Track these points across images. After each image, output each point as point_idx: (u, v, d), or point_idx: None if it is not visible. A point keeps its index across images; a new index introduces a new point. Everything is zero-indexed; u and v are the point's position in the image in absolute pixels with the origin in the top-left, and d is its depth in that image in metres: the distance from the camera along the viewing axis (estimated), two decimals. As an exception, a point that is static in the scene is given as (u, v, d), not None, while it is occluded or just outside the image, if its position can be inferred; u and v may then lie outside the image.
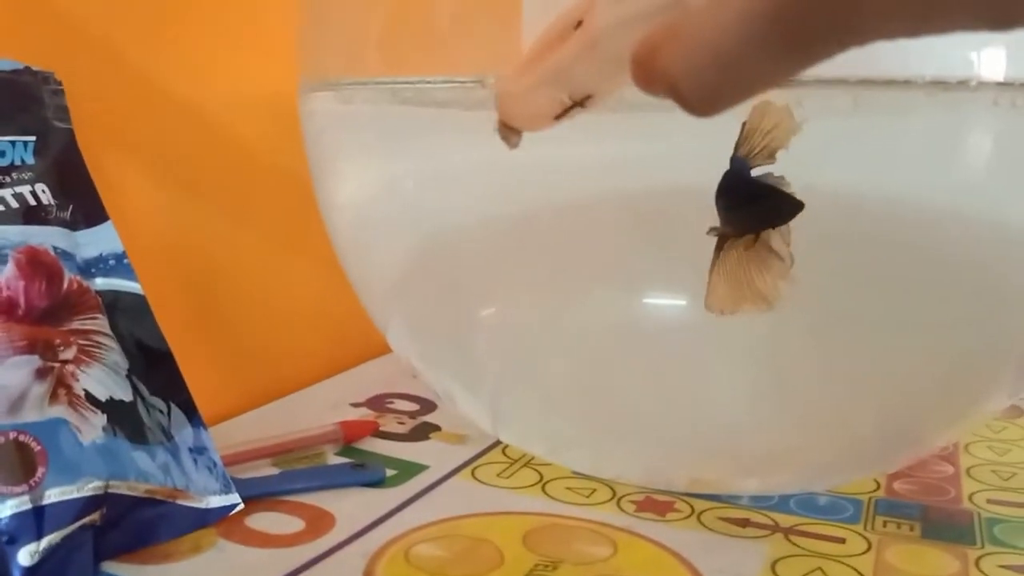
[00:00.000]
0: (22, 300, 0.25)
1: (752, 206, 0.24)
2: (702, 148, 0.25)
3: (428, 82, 0.28)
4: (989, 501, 0.32)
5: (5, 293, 0.24)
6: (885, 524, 0.30)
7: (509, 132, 0.21)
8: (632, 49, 0.16)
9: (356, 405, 0.40)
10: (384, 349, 0.47)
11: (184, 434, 0.28)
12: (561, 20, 0.19)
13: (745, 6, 0.14)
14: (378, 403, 0.41)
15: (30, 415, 0.24)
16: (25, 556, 0.22)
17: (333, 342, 0.46)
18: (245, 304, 0.41)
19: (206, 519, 0.27)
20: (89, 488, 0.24)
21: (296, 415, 0.38)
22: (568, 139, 0.26)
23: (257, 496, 0.29)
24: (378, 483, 0.32)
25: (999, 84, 0.24)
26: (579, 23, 0.19)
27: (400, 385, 0.43)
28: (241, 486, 0.29)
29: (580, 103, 0.20)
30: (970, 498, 0.32)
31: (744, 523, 0.30)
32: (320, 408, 0.39)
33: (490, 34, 0.34)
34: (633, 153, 0.27)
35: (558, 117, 0.20)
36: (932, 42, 0.15)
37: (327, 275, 0.37)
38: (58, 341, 0.25)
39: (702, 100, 0.16)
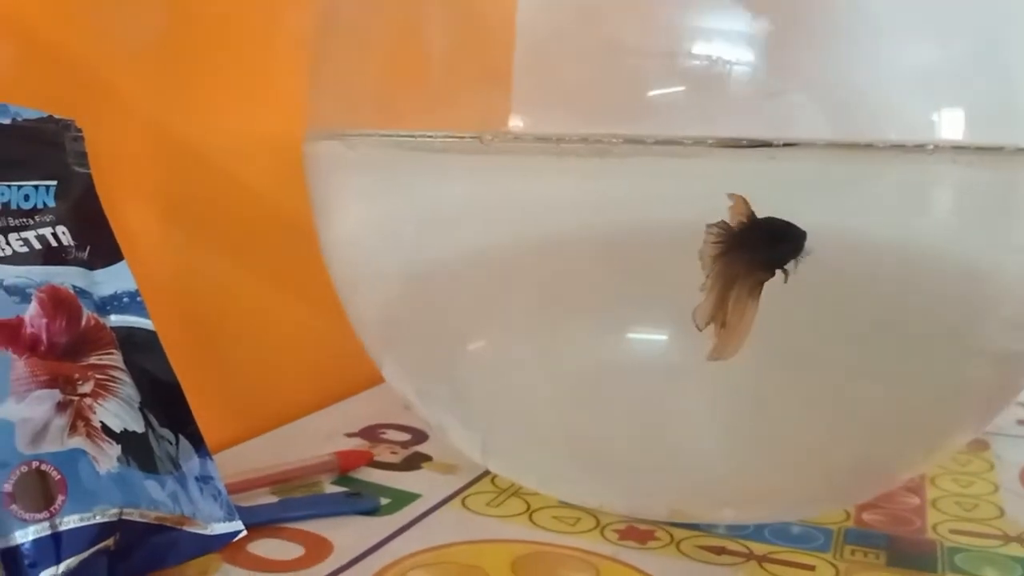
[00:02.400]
0: (45, 337, 0.26)
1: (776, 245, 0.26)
2: (679, 191, 0.27)
3: (429, 136, 0.30)
4: (952, 531, 0.34)
5: (30, 330, 0.26)
6: (853, 552, 0.32)
7: None
8: None
9: (350, 435, 0.42)
10: (376, 381, 0.49)
11: (191, 464, 0.29)
12: None
13: None
14: (371, 433, 0.42)
15: (51, 446, 0.25)
16: (46, 579, 0.24)
17: (328, 374, 0.47)
18: (247, 338, 0.43)
19: (211, 545, 0.29)
20: (105, 515, 0.25)
21: (294, 444, 0.39)
22: (556, 180, 0.28)
23: (259, 523, 0.31)
24: (373, 511, 0.33)
25: (955, 148, 0.26)
26: None
27: (392, 416, 0.44)
28: (244, 514, 0.30)
29: None
30: (934, 528, 0.34)
31: (720, 551, 0.32)
32: (316, 438, 0.41)
33: (481, 87, 0.37)
34: (615, 194, 0.28)
35: None
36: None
37: (323, 311, 0.39)
38: (77, 376, 0.27)
39: None
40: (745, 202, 0.25)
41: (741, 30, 0.32)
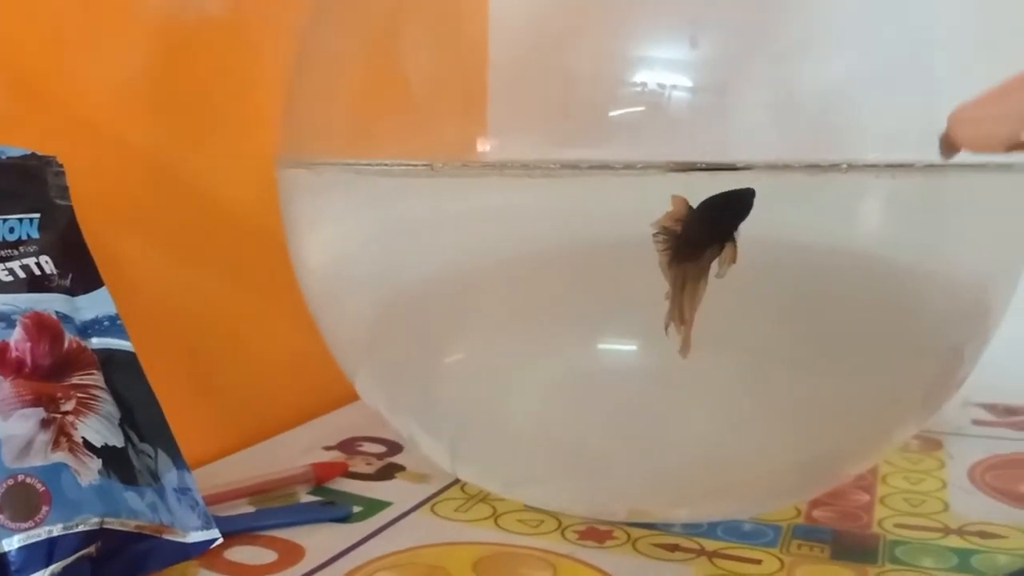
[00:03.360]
0: (29, 359, 0.28)
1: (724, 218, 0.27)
2: (641, 206, 0.29)
3: (386, 164, 0.32)
4: (896, 525, 0.36)
5: (14, 354, 0.28)
6: (800, 547, 0.34)
7: (950, 147, 0.24)
8: None
9: (328, 448, 0.44)
10: (355, 396, 0.51)
11: (169, 476, 0.31)
12: None
13: None
14: (348, 446, 0.44)
15: (35, 460, 0.27)
16: (32, 584, 0.26)
17: (307, 391, 0.49)
18: (227, 357, 0.45)
19: (189, 552, 0.31)
20: (87, 524, 0.27)
21: (273, 458, 0.41)
22: (520, 196, 0.30)
23: (235, 531, 0.33)
24: (345, 519, 0.35)
25: (868, 165, 0.28)
26: None
27: (369, 429, 0.46)
28: (220, 522, 0.32)
29: None
30: (880, 523, 0.36)
31: (674, 548, 0.33)
32: (295, 451, 0.43)
33: (457, 113, 0.39)
34: (582, 209, 0.30)
35: (1009, 148, 0.22)
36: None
37: (302, 330, 0.41)
38: (60, 395, 0.29)
39: None
40: (682, 201, 0.26)
41: (688, 58, 0.34)
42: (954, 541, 0.34)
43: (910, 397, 0.34)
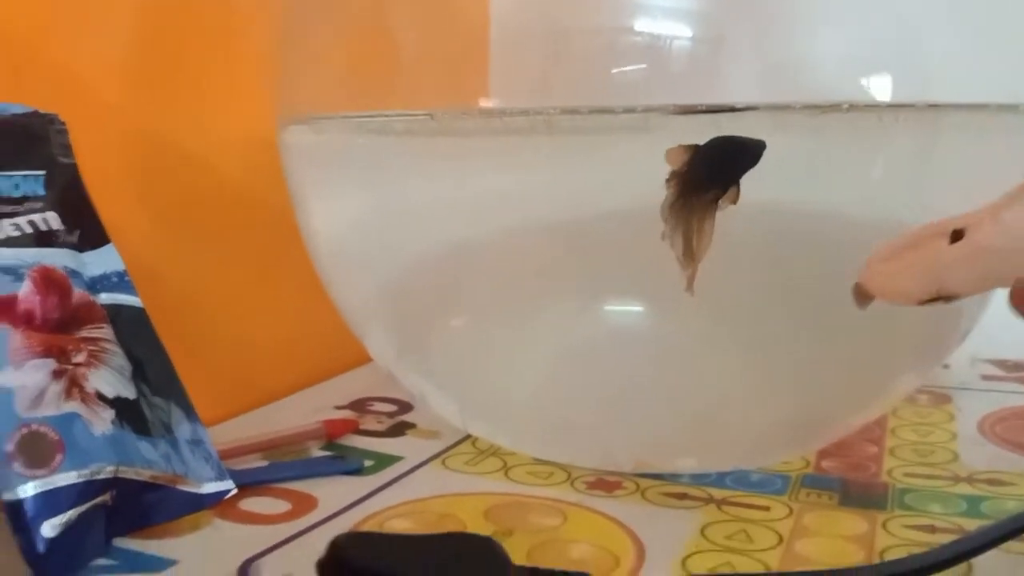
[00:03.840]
0: (38, 312, 0.28)
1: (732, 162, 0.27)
2: (632, 170, 0.29)
3: (386, 115, 0.32)
4: (905, 474, 0.36)
5: (24, 306, 0.28)
6: (808, 495, 0.34)
7: (864, 296, 0.25)
8: (1018, 284, 0.20)
9: (339, 408, 0.44)
10: (366, 359, 0.51)
11: (182, 429, 0.31)
12: (942, 224, 0.23)
13: None
14: (359, 406, 0.45)
15: (48, 410, 0.27)
16: (48, 529, 0.26)
17: (318, 353, 0.50)
18: (233, 321, 0.45)
19: (203, 502, 0.31)
20: (101, 472, 0.28)
21: (284, 417, 0.41)
22: (524, 167, 0.30)
23: (248, 484, 0.33)
24: (356, 472, 0.35)
25: (868, 105, 0.28)
26: (959, 232, 0.22)
27: (381, 390, 0.47)
28: (234, 475, 0.32)
29: (946, 299, 0.23)
30: (889, 472, 0.36)
31: (682, 496, 0.34)
32: (306, 411, 0.43)
33: (457, 71, 0.39)
34: (576, 176, 0.30)
35: (921, 303, 0.23)
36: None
37: (311, 295, 0.41)
38: (70, 347, 0.29)
39: None
40: (681, 149, 0.26)
41: (689, 7, 0.34)
42: (963, 488, 0.34)
43: (908, 349, 0.34)
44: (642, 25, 0.35)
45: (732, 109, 0.28)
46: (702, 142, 0.27)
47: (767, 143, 0.26)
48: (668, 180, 0.27)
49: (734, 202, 0.27)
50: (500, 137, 0.31)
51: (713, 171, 0.27)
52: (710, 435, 0.34)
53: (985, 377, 0.50)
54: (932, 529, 0.31)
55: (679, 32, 0.35)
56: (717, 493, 0.34)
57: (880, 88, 0.31)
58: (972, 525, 0.31)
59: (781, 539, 0.30)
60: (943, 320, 0.33)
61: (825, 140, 0.29)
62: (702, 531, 0.31)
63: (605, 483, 0.35)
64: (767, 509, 0.32)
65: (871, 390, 0.34)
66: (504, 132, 0.31)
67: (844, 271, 0.30)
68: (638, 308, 0.32)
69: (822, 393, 0.33)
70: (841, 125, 0.28)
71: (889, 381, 0.35)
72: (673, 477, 0.35)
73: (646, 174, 0.28)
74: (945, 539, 0.29)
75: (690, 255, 0.28)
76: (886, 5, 0.32)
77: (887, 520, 0.32)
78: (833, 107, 0.27)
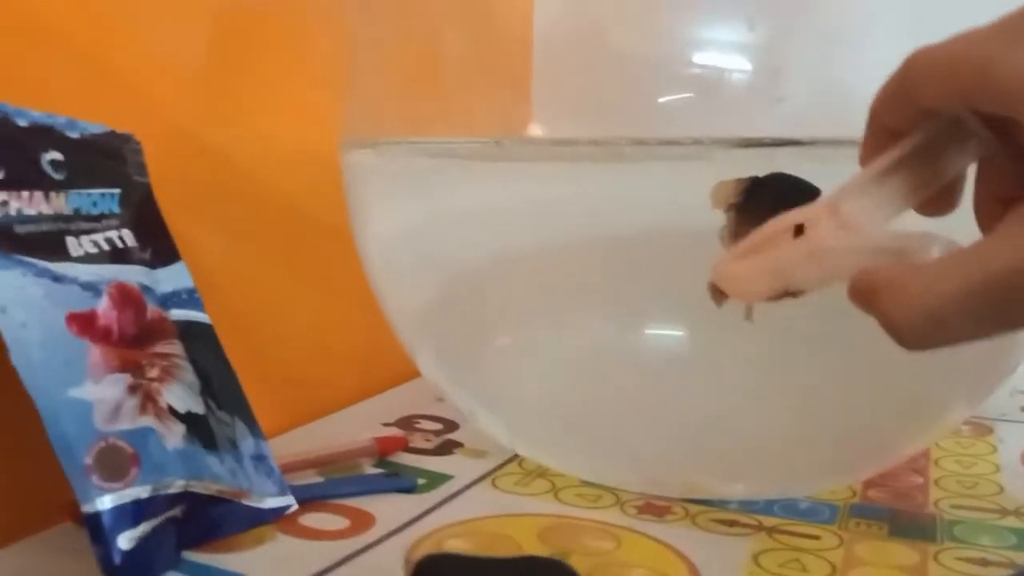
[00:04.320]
0: (115, 327, 0.29)
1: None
2: (686, 195, 0.29)
3: (453, 142, 0.33)
4: (952, 506, 0.36)
5: (103, 322, 0.29)
6: (857, 524, 0.34)
7: (719, 295, 0.25)
8: (854, 280, 0.20)
9: (387, 424, 0.45)
10: (410, 375, 0.52)
11: (247, 444, 0.32)
12: (785, 219, 0.23)
13: (966, 286, 0.18)
14: (406, 423, 0.45)
15: (124, 424, 0.28)
16: (124, 541, 0.27)
17: (365, 370, 0.50)
18: (288, 336, 0.46)
19: (266, 517, 0.32)
20: (172, 486, 0.28)
21: (334, 433, 0.42)
22: (572, 186, 0.31)
23: (308, 499, 0.34)
24: (410, 489, 0.36)
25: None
26: (800, 227, 0.23)
27: (425, 407, 0.47)
28: (294, 490, 0.33)
29: (794, 294, 0.23)
30: (935, 504, 0.36)
31: (732, 523, 0.34)
32: (355, 427, 0.44)
33: (502, 97, 0.39)
34: (630, 200, 0.31)
35: (770, 299, 0.24)
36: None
37: (361, 312, 0.42)
38: (144, 362, 0.30)
39: (913, 342, 0.19)
40: (732, 184, 0.27)
41: (742, 40, 0.35)
42: (1011, 522, 0.35)
43: (960, 381, 0.34)
44: (688, 55, 0.35)
45: (796, 143, 0.28)
46: (753, 174, 0.28)
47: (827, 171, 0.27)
48: (727, 210, 0.28)
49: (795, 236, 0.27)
50: (561, 162, 0.32)
51: (770, 205, 0.28)
52: (759, 461, 0.35)
53: (1024, 409, 0.50)
54: (984, 562, 0.31)
55: (730, 63, 0.35)
56: (767, 521, 0.34)
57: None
58: (1023, 559, 0.31)
59: (834, 569, 0.30)
60: (995, 353, 0.34)
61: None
62: (755, 559, 0.31)
63: (654, 507, 0.35)
64: (818, 538, 0.33)
65: (922, 421, 0.35)
66: (569, 159, 0.31)
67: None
68: (689, 333, 0.33)
69: (873, 422, 0.33)
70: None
71: (939, 413, 0.35)
72: (721, 503, 0.36)
73: (703, 200, 0.28)
74: (999, 572, 0.29)
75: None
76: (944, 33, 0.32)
77: (938, 552, 0.32)
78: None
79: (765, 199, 0.28)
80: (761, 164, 0.28)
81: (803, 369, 0.32)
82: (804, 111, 0.35)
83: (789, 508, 0.35)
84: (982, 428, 0.46)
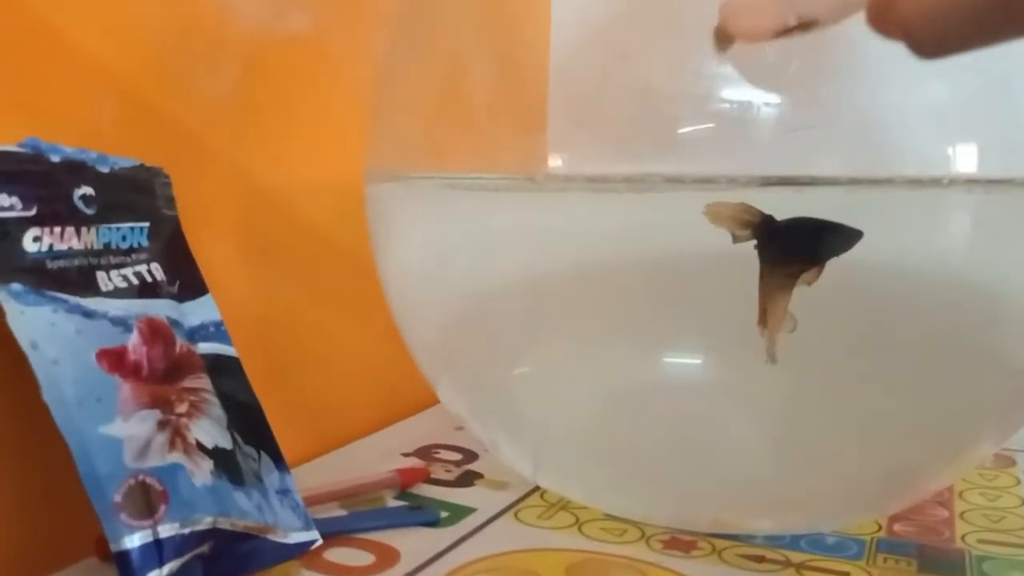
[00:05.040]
0: (145, 363, 0.29)
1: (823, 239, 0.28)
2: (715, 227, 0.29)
3: (483, 178, 0.33)
4: (980, 541, 0.36)
5: (132, 357, 0.29)
6: (885, 560, 0.34)
7: (724, 40, 0.24)
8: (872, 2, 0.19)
9: (406, 455, 0.45)
10: (429, 403, 0.52)
11: (272, 478, 0.32)
12: None
13: None
14: (426, 453, 0.45)
15: (153, 460, 0.28)
16: (153, 579, 0.27)
17: (384, 398, 0.50)
18: (312, 365, 0.46)
19: (291, 553, 0.31)
20: (201, 523, 0.28)
21: (354, 463, 0.42)
22: (596, 210, 0.31)
23: (331, 533, 0.33)
24: (434, 523, 0.36)
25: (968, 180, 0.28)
26: None
27: (445, 437, 0.47)
28: (317, 524, 0.33)
29: (804, 26, 0.21)
30: (963, 538, 0.36)
31: (760, 559, 0.34)
32: (374, 457, 0.44)
33: (521, 129, 0.39)
34: (653, 224, 0.31)
35: (778, 35, 0.22)
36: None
37: (380, 340, 0.42)
38: (173, 397, 0.30)
39: (932, 46, 0.19)
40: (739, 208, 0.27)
41: (760, 71, 0.35)
42: (1040, 557, 0.34)
43: (990, 416, 0.34)
44: (708, 86, 0.35)
45: (834, 182, 0.28)
46: (783, 211, 0.28)
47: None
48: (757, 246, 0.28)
49: (810, 283, 0.27)
50: (589, 193, 0.32)
51: (799, 247, 0.28)
52: (787, 495, 0.34)
53: (1047, 440, 0.50)
54: (1016, 601, 0.31)
55: (748, 96, 0.35)
56: (795, 556, 0.34)
57: (966, 156, 0.31)
58: (1055, 598, 0.31)
59: (865, 607, 0.30)
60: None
61: (906, 202, 0.29)
62: (785, 597, 0.31)
63: (680, 542, 0.35)
64: (847, 574, 0.33)
65: (952, 455, 0.35)
66: (598, 191, 0.31)
67: (928, 335, 0.31)
68: (717, 364, 0.33)
69: (901, 456, 0.33)
70: (914, 195, 0.28)
71: (969, 446, 0.35)
72: (748, 538, 0.35)
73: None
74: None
75: (763, 325, 0.29)
76: (975, 73, 0.32)
77: (968, 589, 0.32)
78: (933, 181, 0.28)
79: (794, 241, 0.28)
80: (788, 198, 0.28)
81: (831, 403, 0.32)
82: (824, 143, 0.35)
83: (816, 543, 0.35)
84: (1005, 460, 0.46)
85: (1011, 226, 0.30)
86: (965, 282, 0.30)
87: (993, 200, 0.30)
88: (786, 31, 0.22)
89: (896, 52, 0.35)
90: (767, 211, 0.28)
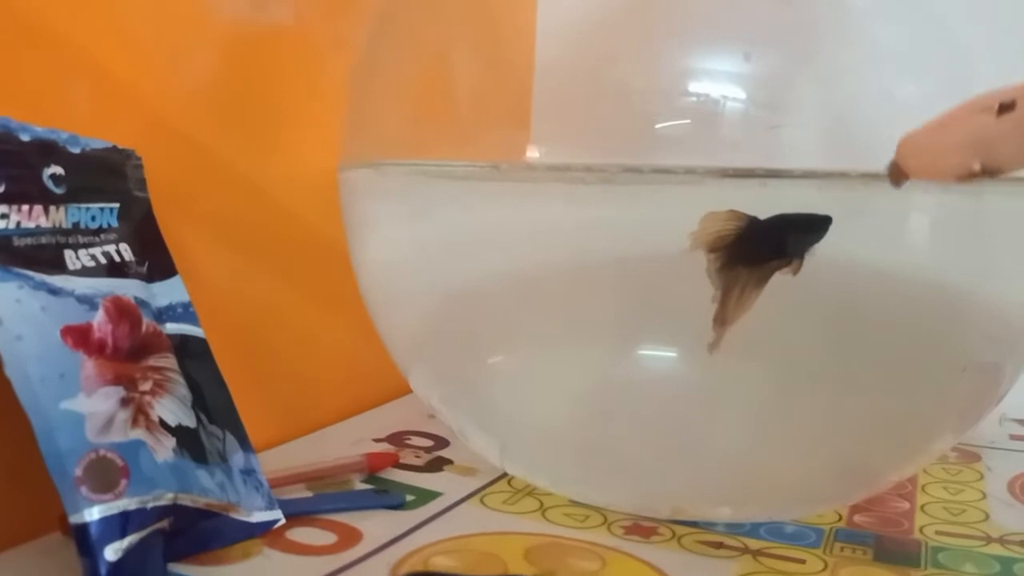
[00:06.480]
0: (110, 341, 0.30)
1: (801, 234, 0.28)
2: (682, 217, 0.30)
3: (452, 165, 0.33)
4: (938, 533, 0.36)
5: (97, 335, 0.29)
6: (842, 549, 0.34)
7: (900, 175, 0.24)
8: None
9: (377, 440, 0.45)
10: (402, 392, 0.52)
11: (236, 458, 0.32)
12: (989, 97, 0.22)
13: None
14: (397, 439, 0.46)
15: (116, 436, 0.28)
16: (111, 552, 0.27)
17: (358, 385, 0.51)
18: (284, 350, 0.46)
19: (253, 531, 0.32)
20: (161, 499, 0.29)
21: (324, 448, 0.42)
22: (568, 207, 0.31)
23: (296, 514, 0.34)
24: (398, 506, 0.36)
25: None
26: (1010, 103, 0.21)
27: (417, 424, 0.47)
28: (282, 505, 0.33)
29: (989, 173, 0.22)
30: (921, 530, 0.37)
31: (718, 545, 0.34)
32: (345, 442, 0.44)
33: (503, 125, 0.40)
34: (626, 220, 0.31)
35: (960, 180, 0.22)
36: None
37: (354, 327, 0.42)
38: (138, 375, 0.30)
39: None
40: (726, 215, 0.27)
41: (739, 71, 0.35)
42: (996, 549, 0.35)
43: (948, 410, 0.35)
44: (686, 85, 0.36)
45: (790, 175, 0.29)
46: (749, 206, 0.28)
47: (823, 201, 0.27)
48: (706, 248, 0.28)
49: (795, 273, 0.28)
50: (556, 184, 0.32)
51: (774, 243, 0.28)
52: (749, 485, 0.35)
53: (1014, 437, 0.50)
54: (966, 590, 0.31)
55: (728, 92, 0.36)
56: (752, 543, 0.34)
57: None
58: (1005, 587, 0.32)
59: (818, 593, 0.31)
60: (983, 382, 0.34)
61: (873, 201, 0.29)
62: (739, 581, 0.31)
63: (641, 528, 0.35)
64: (803, 562, 0.33)
65: (909, 448, 0.35)
66: (563, 181, 0.32)
67: (888, 328, 0.31)
68: (679, 355, 0.33)
69: (860, 448, 0.34)
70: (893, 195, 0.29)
71: (928, 439, 0.35)
72: (708, 525, 0.36)
73: (690, 221, 0.29)
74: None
75: (722, 319, 0.29)
76: (946, 65, 0.33)
77: (921, 578, 0.32)
78: (859, 175, 0.28)
79: (770, 238, 0.28)
80: (754, 191, 0.29)
81: (792, 396, 0.32)
82: (800, 141, 0.36)
83: (775, 531, 0.36)
84: (970, 455, 0.47)
85: (966, 228, 0.31)
86: (926, 277, 0.31)
87: (952, 199, 0.30)
88: (970, 177, 0.22)
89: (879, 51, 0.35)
90: (731, 199, 0.28)
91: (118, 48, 0.37)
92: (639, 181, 0.30)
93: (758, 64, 0.35)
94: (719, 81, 0.35)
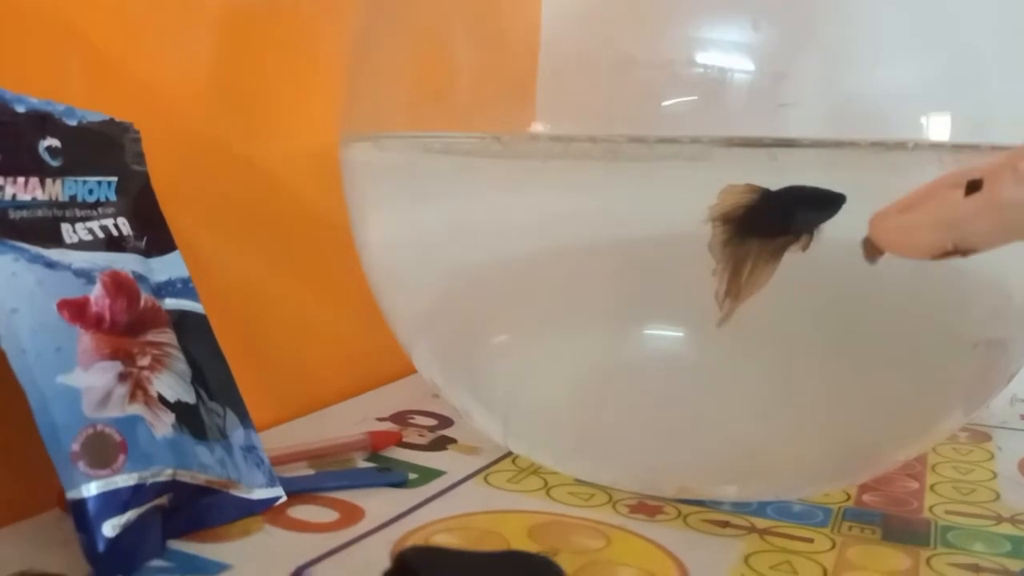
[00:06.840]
0: (108, 315, 0.29)
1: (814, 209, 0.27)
2: (687, 196, 0.29)
3: (452, 137, 0.32)
4: (947, 512, 0.36)
5: (94, 309, 0.29)
6: (850, 528, 0.34)
7: (874, 251, 0.24)
8: None
9: (381, 419, 0.45)
10: (406, 372, 0.52)
11: (237, 434, 0.32)
12: (957, 175, 0.22)
13: None
14: (400, 418, 0.45)
15: (113, 411, 0.28)
16: (108, 528, 0.27)
17: (362, 365, 0.50)
18: (288, 330, 0.46)
19: (254, 508, 0.31)
20: (160, 475, 0.28)
21: (329, 426, 0.42)
22: (574, 185, 0.31)
23: (297, 491, 0.34)
24: (401, 484, 0.36)
25: (933, 145, 0.28)
26: (977, 182, 0.21)
27: (420, 403, 0.47)
28: (283, 482, 0.33)
29: (963, 252, 0.22)
30: (930, 509, 0.36)
31: (724, 524, 0.34)
32: (349, 421, 0.44)
33: (506, 100, 0.39)
34: (628, 203, 0.31)
35: (934, 257, 0.22)
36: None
37: (358, 306, 0.42)
38: (136, 350, 0.30)
39: None
40: (742, 188, 0.27)
41: (748, 42, 0.35)
42: (1006, 528, 0.34)
43: (954, 389, 0.34)
44: (694, 57, 0.35)
45: (799, 144, 0.28)
46: (758, 180, 0.27)
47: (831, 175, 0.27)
48: (716, 220, 0.28)
49: (804, 249, 0.27)
50: (559, 160, 0.32)
51: (786, 218, 0.28)
52: (755, 464, 0.34)
53: (1024, 417, 0.50)
54: (976, 568, 0.31)
55: (734, 65, 0.35)
56: (759, 522, 0.34)
57: (940, 125, 0.31)
58: (1016, 566, 0.31)
59: (825, 572, 0.30)
60: (992, 362, 0.33)
61: (882, 175, 0.29)
62: (746, 560, 0.31)
63: (646, 507, 0.35)
64: (810, 541, 0.33)
65: (917, 427, 0.35)
66: (566, 156, 0.31)
67: (896, 307, 0.31)
68: (685, 333, 0.33)
69: (868, 427, 0.33)
70: (903, 162, 0.28)
71: (935, 419, 0.35)
72: (714, 504, 0.35)
73: (702, 201, 0.28)
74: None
75: (735, 294, 0.29)
76: (951, 41, 0.32)
77: (931, 557, 0.32)
78: (898, 145, 0.27)
79: (781, 212, 0.28)
80: (762, 164, 0.28)
81: (800, 374, 0.32)
82: (809, 114, 0.35)
83: (782, 510, 0.35)
84: (980, 435, 0.46)
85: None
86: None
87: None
88: (943, 255, 0.22)
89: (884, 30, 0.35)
90: (737, 177, 0.28)
91: (112, 24, 0.36)
92: (645, 152, 0.29)
93: (767, 34, 0.35)
94: (727, 53, 0.35)
